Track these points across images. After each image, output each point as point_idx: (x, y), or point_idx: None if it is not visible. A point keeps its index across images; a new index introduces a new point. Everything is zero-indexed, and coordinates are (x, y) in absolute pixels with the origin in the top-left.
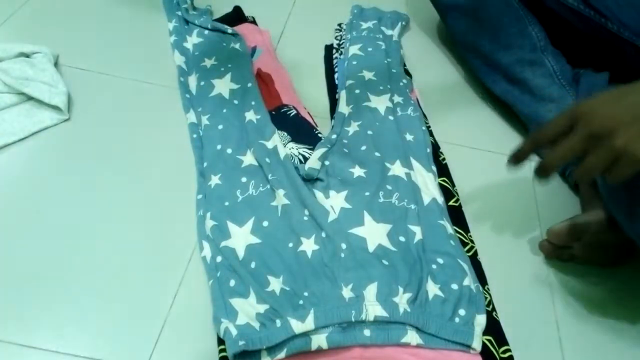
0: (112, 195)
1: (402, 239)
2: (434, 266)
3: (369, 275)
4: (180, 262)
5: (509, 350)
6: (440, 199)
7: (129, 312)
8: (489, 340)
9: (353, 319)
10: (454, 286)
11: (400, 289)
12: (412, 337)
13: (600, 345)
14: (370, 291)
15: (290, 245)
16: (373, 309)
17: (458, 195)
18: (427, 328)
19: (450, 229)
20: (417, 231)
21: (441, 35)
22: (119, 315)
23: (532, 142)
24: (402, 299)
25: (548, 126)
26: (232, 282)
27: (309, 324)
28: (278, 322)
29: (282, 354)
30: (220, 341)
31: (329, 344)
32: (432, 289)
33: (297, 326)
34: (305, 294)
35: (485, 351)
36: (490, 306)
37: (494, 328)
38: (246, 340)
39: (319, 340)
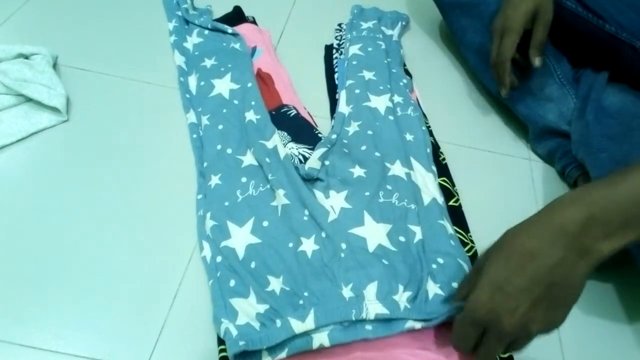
0: (111, 195)
1: (402, 239)
2: (434, 266)
3: (369, 274)
4: (180, 262)
5: None
6: (440, 199)
7: (129, 312)
8: None
9: (353, 318)
10: (454, 286)
11: (401, 288)
12: (414, 324)
13: (600, 345)
14: (370, 290)
15: (290, 245)
16: (373, 308)
17: (458, 195)
18: (427, 324)
19: (450, 229)
20: (417, 231)
21: (441, 35)
22: (119, 315)
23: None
24: (402, 297)
25: (462, 341)
26: (232, 282)
27: (309, 323)
28: (278, 322)
29: (283, 354)
30: (221, 341)
31: (331, 341)
32: (432, 288)
33: (297, 326)
34: (305, 293)
35: None
36: None
37: None
38: (246, 340)
39: (321, 339)
